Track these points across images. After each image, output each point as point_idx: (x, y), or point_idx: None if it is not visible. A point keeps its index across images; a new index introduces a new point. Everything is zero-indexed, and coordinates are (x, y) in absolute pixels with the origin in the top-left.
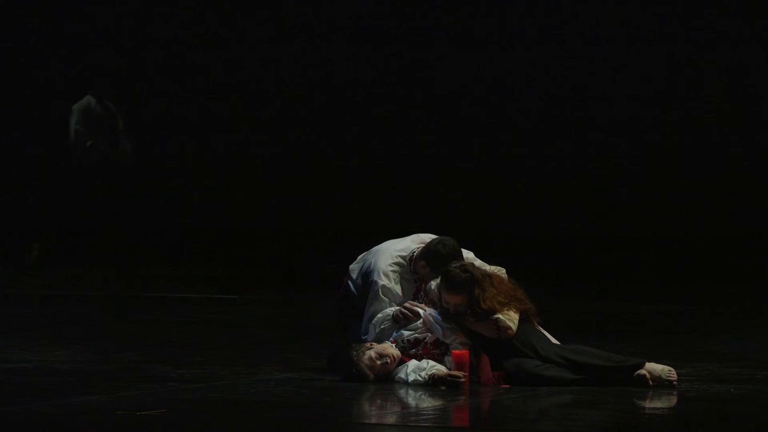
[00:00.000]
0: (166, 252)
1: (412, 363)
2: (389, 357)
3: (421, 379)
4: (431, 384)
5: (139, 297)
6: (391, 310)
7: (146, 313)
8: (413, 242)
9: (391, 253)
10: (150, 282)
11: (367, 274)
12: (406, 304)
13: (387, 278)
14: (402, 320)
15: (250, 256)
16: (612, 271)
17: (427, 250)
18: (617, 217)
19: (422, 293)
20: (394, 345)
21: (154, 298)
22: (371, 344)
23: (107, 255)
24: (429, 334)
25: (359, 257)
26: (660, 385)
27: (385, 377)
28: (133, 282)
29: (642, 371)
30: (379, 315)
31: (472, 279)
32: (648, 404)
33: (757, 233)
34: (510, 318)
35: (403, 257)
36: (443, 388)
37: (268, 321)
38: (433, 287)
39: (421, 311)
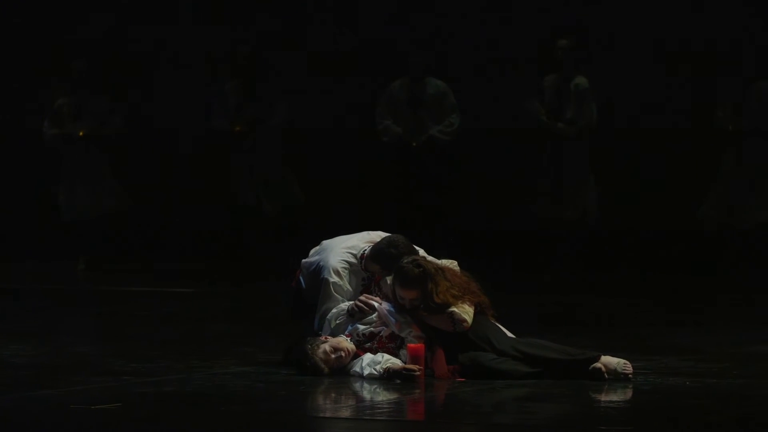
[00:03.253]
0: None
1: (367, 356)
2: (344, 351)
3: (376, 372)
4: (386, 377)
5: (94, 290)
6: (346, 304)
7: (101, 306)
8: (362, 240)
9: (340, 250)
10: (111, 275)
11: (317, 271)
12: (361, 298)
13: (338, 275)
14: (357, 314)
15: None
16: (568, 264)
17: (379, 252)
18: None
19: (375, 287)
20: (349, 339)
21: (110, 291)
22: (326, 338)
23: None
24: (384, 327)
25: (311, 251)
26: (615, 378)
27: (340, 371)
28: (93, 275)
29: (597, 364)
30: (334, 310)
31: (425, 273)
32: (603, 397)
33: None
34: (465, 311)
35: (353, 254)
36: (398, 381)
37: (223, 314)
38: (388, 283)
39: (376, 305)
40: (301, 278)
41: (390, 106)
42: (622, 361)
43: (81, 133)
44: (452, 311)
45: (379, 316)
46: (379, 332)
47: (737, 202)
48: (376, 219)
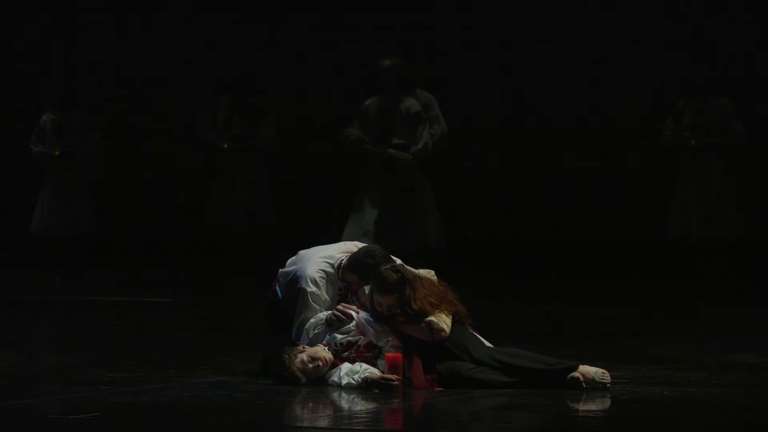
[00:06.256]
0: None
1: (345, 366)
2: (321, 360)
3: (354, 382)
4: (364, 387)
5: (70, 300)
6: (323, 314)
7: (78, 315)
8: (338, 251)
9: (318, 260)
10: (86, 284)
11: (294, 281)
12: (339, 307)
13: (315, 285)
14: (335, 323)
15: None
16: (547, 273)
17: (356, 262)
18: (556, 218)
19: (352, 297)
20: (326, 348)
21: (85, 301)
22: (303, 347)
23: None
24: (362, 337)
25: (288, 261)
26: (593, 387)
27: (318, 380)
28: (69, 286)
29: (575, 374)
30: (312, 319)
31: (403, 279)
32: (581, 407)
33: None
34: (443, 320)
35: (330, 264)
36: (376, 391)
37: (200, 324)
38: (365, 292)
39: (354, 314)
40: (277, 288)
41: None
42: (600, 370)
43: (56, 153)
44: (430, 320)
45: (357, 326)
46: (357, 341)
47: (699, 217)
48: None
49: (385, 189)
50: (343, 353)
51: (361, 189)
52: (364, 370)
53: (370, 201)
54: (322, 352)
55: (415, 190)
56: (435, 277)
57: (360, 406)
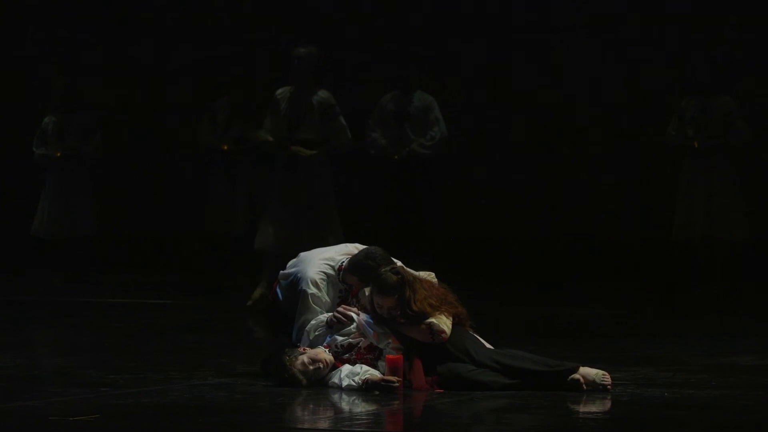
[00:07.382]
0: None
1: (346, 368)
2: (322, 362)
3: (354, 384)
4: (365, 389)
5: (71, 302)
6: (324, 316)
7: (79, 317)
8: (338, 253)
9: (318, 262)
10: (86, 286)
11: (295, 283)
12: (340, 309)
13: (316, 287)
14: (336, 325)
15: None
16: (547, 274)
17: (356, 264)
18: (557, 218)
19: (353, 299)
20: (327, 350)
21: (86, 303)
22: (304, 349)
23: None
24: (362, 338)
25: (289, 264)
26: (594, 389)
27: (319, 382)
28: (69, 287)
29: (576, 375)
30: (313, 321)
31: (403, 280)
32: (582, 408)
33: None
34: (443, 322)
35: (331, 266)
36: (377, 392)
37: (200, 326)
38: (366, 294)
39: (354, 316)
40: (278, 290)
41: (379, 119)
42: (601, 372)
43: (58, 154)
44: (431, 322)
45: (358, 327)
46: (358, 343)
47: (703, 218)
48: (355, 231)
49: (287, 186)
50: (343, 355)
51: (271, 187)
52: (364, 371)
53: (277, 200)
54: (323, 353)
55: (315, 188)
56: (435, 279)
57: (360, 407)
